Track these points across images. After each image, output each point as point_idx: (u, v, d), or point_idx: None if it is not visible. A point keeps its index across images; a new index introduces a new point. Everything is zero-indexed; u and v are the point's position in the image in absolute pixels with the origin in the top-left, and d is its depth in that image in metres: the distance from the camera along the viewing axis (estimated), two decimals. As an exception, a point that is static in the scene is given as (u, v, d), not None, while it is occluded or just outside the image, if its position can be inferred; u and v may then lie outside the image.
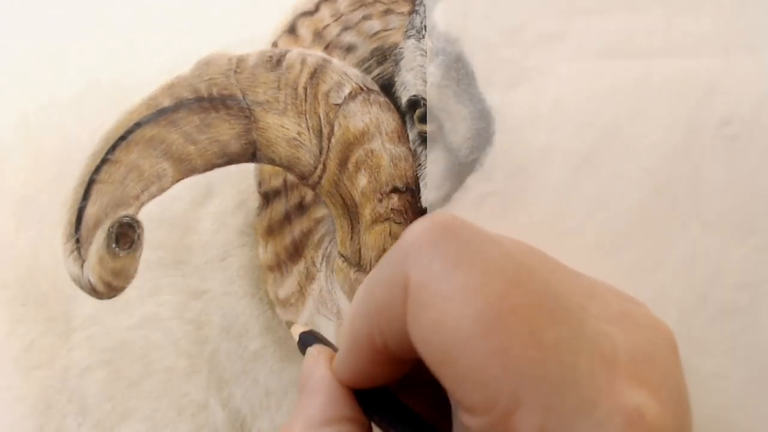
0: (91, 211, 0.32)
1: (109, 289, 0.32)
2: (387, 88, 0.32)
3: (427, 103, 0.31)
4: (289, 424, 0.20)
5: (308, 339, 0.27)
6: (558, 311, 0.16)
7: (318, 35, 0.32)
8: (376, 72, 0.32)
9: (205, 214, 0.32)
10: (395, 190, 0.31)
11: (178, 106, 0.32)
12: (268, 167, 0.32)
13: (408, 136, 0.31)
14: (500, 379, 0.15)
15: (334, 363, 0.22)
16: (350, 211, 0.32)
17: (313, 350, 0.23)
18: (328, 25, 0.32)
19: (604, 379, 0.15)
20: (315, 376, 0.22)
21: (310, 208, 0.32)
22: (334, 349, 0.25)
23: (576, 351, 0.16)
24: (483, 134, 0.30)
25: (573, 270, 0.20)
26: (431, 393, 0.24)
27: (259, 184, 0.32)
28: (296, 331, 0.28)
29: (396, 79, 0.32)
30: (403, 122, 0.32)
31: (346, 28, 0.32)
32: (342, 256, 0.32)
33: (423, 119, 0.31)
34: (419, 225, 0.18)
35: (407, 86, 0.31)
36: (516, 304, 0.16)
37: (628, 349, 0.16)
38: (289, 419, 0.21)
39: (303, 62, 0.32)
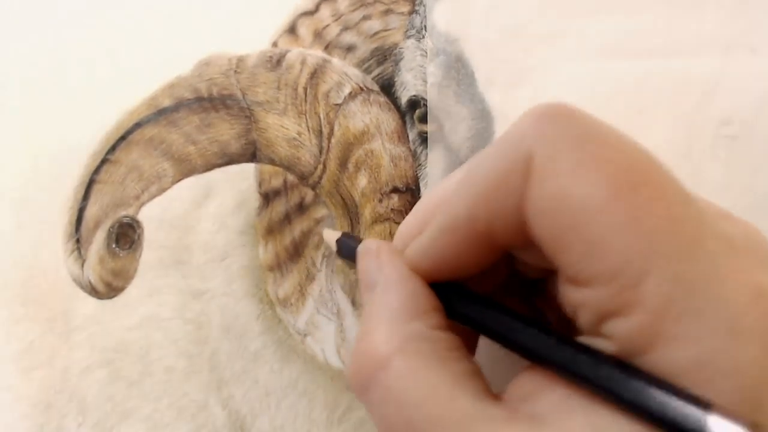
0: (91, 211, 0.32)
1: (109, 289, 0.32)
2: (387, 88, 0.32)
3: (428, 103, 0.31)
4: (373, 325, 0.19)
5: (348, 242, 0.24)
6: (682, 193, 0.16)
7: (318, 35, 0.32)
8: (376, 72, 0.32)
9: (205, 214, 0.32)
10: (395, 190, 0.31)
11: (178, 106, 0.32)
12: (268, 167, 0.32)
13: (408, 136, 0.31)
14: (632, 245, 0.15)
15: (411, 251, 0.20)
16: (350, 211, 0.32)
17: (370, 244, 0.22)
18: (328, 25, 0.32)
19: (729, 258, 0.15)
20: (386, 269, 0.20)
21: (310, 208, 0.32)
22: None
23: (703, 230, 0.16)
24: (483, 134, 0.30)
25: None
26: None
27: (259, 184, 0.32)
28: (330, 236, 0.26)
29: (396, 79, 0.32)
30: (403, 122, 0.32)
31: (346, 28, 0.32)
32: (342, 256, 0.32)
33: (423, 119, 0.31)
34: (539, 110, 0.17)
35: (407, 86, 0.31)
36: (651, 177, 0.16)
37: (742, 238, 0.17)
38: (367, 320, 0.19)
39: (303, 62, 0.32)
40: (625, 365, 0.15)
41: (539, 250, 0.17)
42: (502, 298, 0.22)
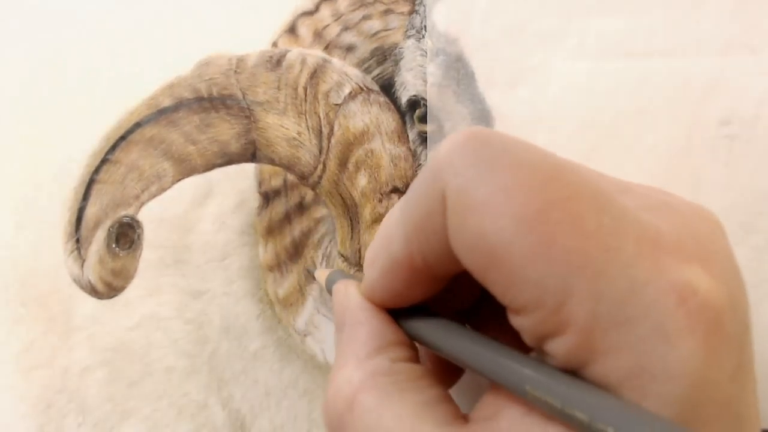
0: (91, 211, 0.32)
1: (109, 289, 0.32)
2: (387, 88, 0.32)
3: (427, 103, 0.31)
4: (340, 363, 0.20)
5: (336, 278, 0.26)
6: (597, 200, 0.16)
7: (318, 35, 0.32)
8: (376, 72, 0.32)
9: (205, 214, 0.32)
10: (395, 190, 0.31)
11: (178, 106, 0.32)
12: (268, 167, 0.32)
13: (408, 136, 0.31)
14: (547, 273, 0.15)
15: (364, 289, 0.21)
16: (350, 211, 0.32)
17: (340, 285, 0.23)
18: (328, 25, 0.32)
19: (651, 260, 0.15)
20: (352, 308, 0.21)
21: (310, 208, 0.32)
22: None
23: (620, 235, 0.15)
24: (483, 134, 0.30)
25: (603, 173, 0.20)
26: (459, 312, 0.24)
27: (259, 184, 0.32)
28: (321, 275, 0.27)
29: (396, 79, 0.32)
30: (403, 122, 0.32)
31: (346, 28, 0.32)
32: (342, 256, 0.32)
33: (423, 119, 0.31)
34: (452, 138, 0.18)
35: (407, 86, 0.31)
36: (555, 197, 0.16)
37: (672, 232, 0.16)
38: (337, 359, 0.20)
39: (303, 62, 0.32)
40: (577, 381, 0.16)
41: None
42: (476, 318, 0.23)
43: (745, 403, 0.15)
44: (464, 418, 0.18)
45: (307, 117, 0.31)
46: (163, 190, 0.32)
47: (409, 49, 0.31)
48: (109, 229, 0.32)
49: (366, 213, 0.31)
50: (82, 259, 0.32)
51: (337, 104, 0.31)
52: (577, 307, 0.15)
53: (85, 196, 0.32)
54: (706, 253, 0.16)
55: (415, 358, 0.20)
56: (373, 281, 0.21)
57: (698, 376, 0.14)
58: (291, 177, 0.32)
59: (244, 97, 0.32)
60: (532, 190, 0.16)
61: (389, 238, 0.20)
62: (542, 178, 0.16)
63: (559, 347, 0.16)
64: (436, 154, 0.18)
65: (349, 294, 0.22)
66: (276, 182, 0.32)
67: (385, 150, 0.31)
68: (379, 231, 0.23)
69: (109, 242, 0.32)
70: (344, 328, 0.21)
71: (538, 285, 0.15)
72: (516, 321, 0.17)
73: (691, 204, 0.19)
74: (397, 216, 0.20)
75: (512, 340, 0.18)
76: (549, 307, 0.15)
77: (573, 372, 0.16)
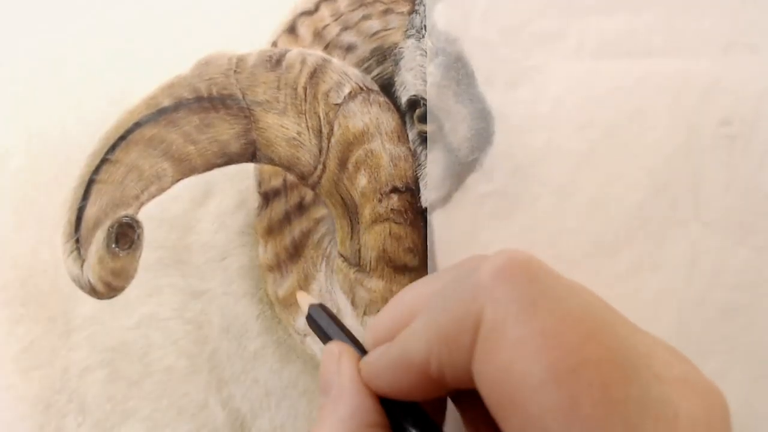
0: (91, 211, 0.32)
1: (109, 289, 0.32)
2: (387, 87, 0.32)
3: (427, 103, 0.31)
4: (317, 430, 0.20)
5: (317, 315, 0.26)
6: (629, 370, 0.16)
7: (318, 35, 0.32)
8: (375, 72, 0.32)
9: (205, 214, 0.32)
10: (395, 190, 0.31)
11: (178, 105, 0.32)
12: (268, 167, 0.32)
13: (408, 136, 0.31)
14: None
15: (367, 369, 0.22)
16: (350, 211, 0.32)
17: (334, 348, 0.23)
18: (327, 25, 0.32)
19: None
20: (342, 379, 0.21)
21: (309, 208, 0.32)
22: (344, 330, 0.25)
23: (642, 411, 0.15)
24: (483, 134, 0.30)
25: (634, 325, 0.20)
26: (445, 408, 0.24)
27: (259, 184, 0.32)
28: (304, 301, 0.27)
29: (396, 78, 0.32)
30: (403, 122, 0.32)
31: (345, 28, 0.32)
32: (342, 256, 0.32)
33: (423, 119, 0.31)
34: (498, 261, 0.18)
35: (407, 86, 0.31)
36: (590, 358, 0.16)
37: (687, 415, 0.16)
38: (316, 425, 0.20)
39: (303, 62, 0.32)
40: None
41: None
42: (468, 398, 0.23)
43: None
44: None
45: (307, 117, 0.31)
46: (162, 190, 0.32)
47: (409, 49, 0.31)
48: (108, 230, 0.32)
49: (366, 213, 0.31)
50: (81, 260, 0.32)
51: (336, 104, 0.31)
52: None
53: (85, 196, 0.32)
54: None
55: None
56: (380, 370, 0.21)
57: None
58: (291, 177, 0.32)
59: (243, 97, 0.32)
60: (569, 344, 0.16)
61: (408, 341, 0.20)
62: (582, 334, 0.16)
63: None
64: (480, 274, 0.18)
65: (343, 363, 0.22)
66: (276, 182, 0.32)
67: (385, 150, 0.31)
68: (390, 307, 0.23)
69: (109, 242, 0.32)
70: (330, 395, 0.21)
71: None
72: None
73: (704, 381, 0.19)
74: (423, 319, 0.20)
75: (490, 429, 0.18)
76: None
77: None
